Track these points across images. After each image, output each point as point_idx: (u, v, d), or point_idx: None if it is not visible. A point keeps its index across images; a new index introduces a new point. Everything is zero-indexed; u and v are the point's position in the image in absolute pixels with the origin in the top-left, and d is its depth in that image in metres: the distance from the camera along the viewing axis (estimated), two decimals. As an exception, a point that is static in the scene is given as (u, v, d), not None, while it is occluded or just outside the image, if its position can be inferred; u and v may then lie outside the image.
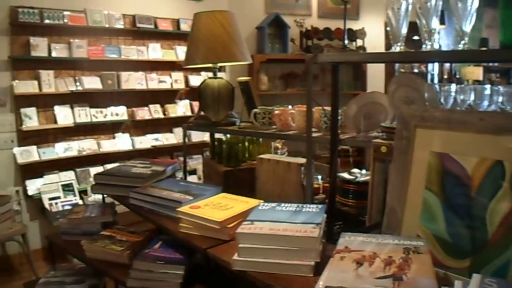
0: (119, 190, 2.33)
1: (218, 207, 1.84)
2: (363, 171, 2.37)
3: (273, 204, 1.74)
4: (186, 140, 4.92)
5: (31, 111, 4.17)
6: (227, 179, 2.45)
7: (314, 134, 2.14)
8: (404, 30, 1.52)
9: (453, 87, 1.66)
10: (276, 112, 2.33)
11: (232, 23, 2.60)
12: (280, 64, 5.65)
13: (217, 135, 2.85)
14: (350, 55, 1.95)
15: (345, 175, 2.32)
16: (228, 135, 2.71)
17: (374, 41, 6.01)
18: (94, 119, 4.48)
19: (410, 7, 1.48)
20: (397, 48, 1.52)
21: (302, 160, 2.09)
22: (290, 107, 2.42)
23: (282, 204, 1.72)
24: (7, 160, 4.14)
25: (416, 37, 1.54)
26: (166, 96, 5.09)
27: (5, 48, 4.06)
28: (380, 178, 1.71)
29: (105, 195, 2.64)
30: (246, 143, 2.64)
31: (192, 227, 1.77)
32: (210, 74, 5.16)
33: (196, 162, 5.18)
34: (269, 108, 2.41)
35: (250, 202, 1.89)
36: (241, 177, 2.45)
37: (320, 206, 1.68)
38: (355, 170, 2.39)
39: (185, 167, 2.97)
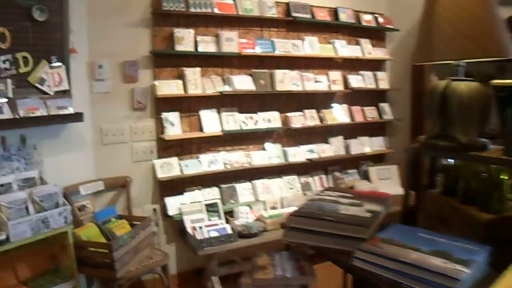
0: (329, 241, 1.54)
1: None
2: None
3: None
4: (344, 151, 4.11)
5: (174, 116, 3.52)
6: (488, 232, 1.57)
7: None
8: None
9: None
10: None
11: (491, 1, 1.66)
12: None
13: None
14: None
15: None
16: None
17: None
18: (243, 127, 3.74)
19: None
20: None
21: None
22: None
23: None
24: (146, 173, 3.53)
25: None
26: (321, 100, 4.25)
27: (147, 42, 3.45)
28: None
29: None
30: (505, 176, 1.73)
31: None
32: (370, 74, 4.32)
33: (351, 178, 4.34)
34: None
35: None
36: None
37: None
38: None
39: (406, 207, 2.08)
